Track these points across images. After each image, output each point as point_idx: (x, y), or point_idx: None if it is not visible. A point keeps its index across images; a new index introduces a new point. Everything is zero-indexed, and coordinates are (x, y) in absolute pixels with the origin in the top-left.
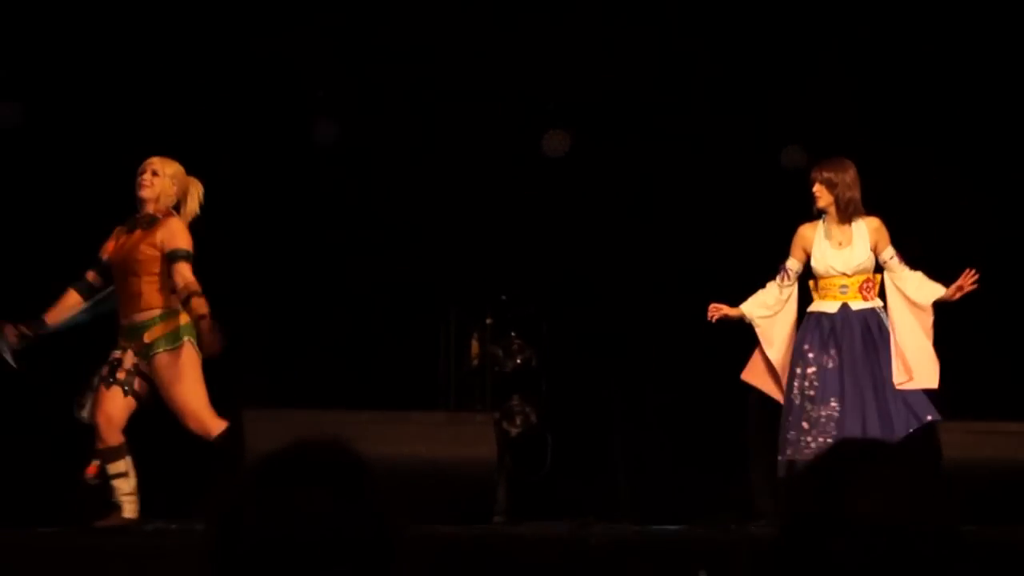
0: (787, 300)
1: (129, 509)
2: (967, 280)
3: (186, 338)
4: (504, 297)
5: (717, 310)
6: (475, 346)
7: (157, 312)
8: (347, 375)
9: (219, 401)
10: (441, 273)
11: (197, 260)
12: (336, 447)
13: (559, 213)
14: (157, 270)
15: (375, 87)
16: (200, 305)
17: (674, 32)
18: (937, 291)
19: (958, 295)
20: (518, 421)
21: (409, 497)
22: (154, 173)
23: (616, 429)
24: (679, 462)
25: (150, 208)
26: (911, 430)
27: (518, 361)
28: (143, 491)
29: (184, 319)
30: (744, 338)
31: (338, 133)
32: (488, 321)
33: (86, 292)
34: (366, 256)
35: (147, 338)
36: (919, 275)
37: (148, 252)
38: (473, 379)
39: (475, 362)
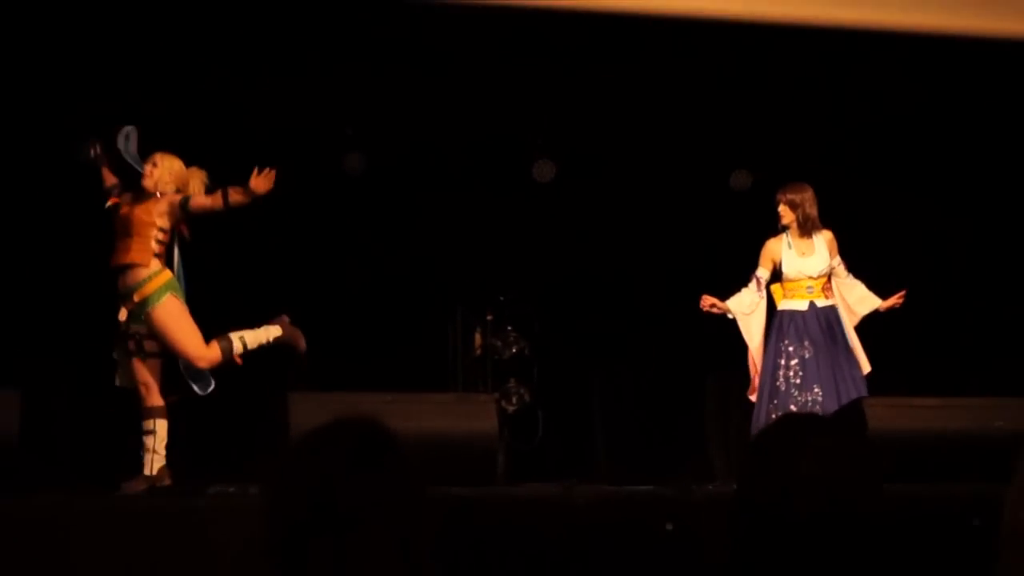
0: (759, 302)
1: (150, 466)
2: (898, 300)
3: (168, 293)
4: (502, 298)
5: (709, 301)
6: (478, 338)
7: (144, 274)
8: (374, 363)
9: (266, 385)
10: (450, 278)
11: (251, 265)
12: (368, 423)
13: (547, 229)
14: (148, 234)
15: (400, 126)
16: (236, 191)
17: (637, 79)
18: (872, 304)
19: (885, 309)
20: (514, 400)
21: (426, 463)
22: (154, 164)
23: (595, 406)
24: (648, 433)
25: (149, 189)
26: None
27: (514, 350)
28: (207, 460)
29: (165, 277)
30: (702, 334)
31: (366, 163)
32: (489, 317)
33: None
34: (389, 265)
35: (136, 297)
36: (860, 286)
37: (143, 218)
38: (477, 366)
39: (478, 352)
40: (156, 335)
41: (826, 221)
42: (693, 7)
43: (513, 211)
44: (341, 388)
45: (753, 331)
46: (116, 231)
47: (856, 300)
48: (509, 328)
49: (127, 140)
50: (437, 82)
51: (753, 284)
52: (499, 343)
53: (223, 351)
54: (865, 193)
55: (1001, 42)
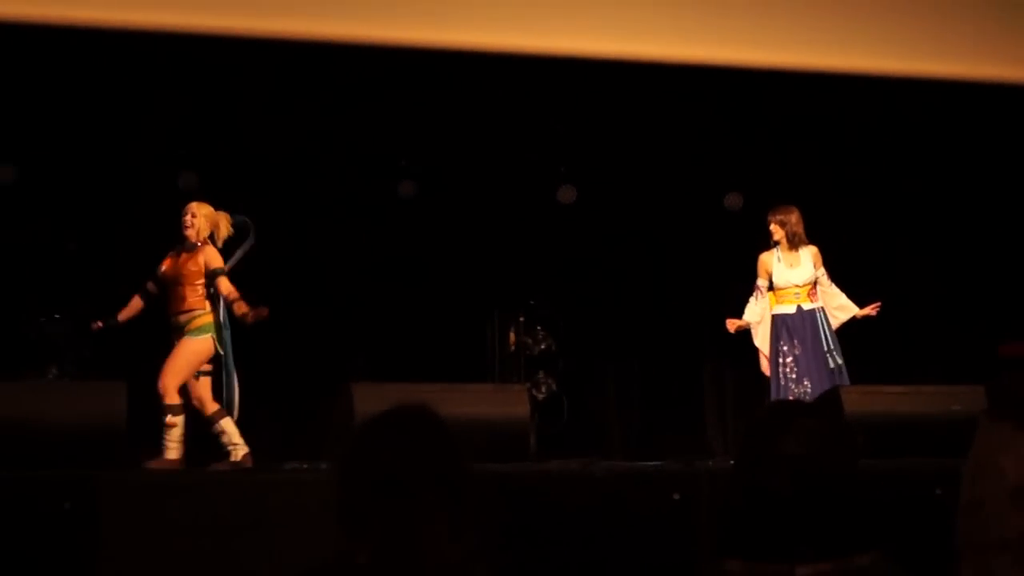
0: (764, 310)
1: (236, 454)
2: (873, 310)
3: (209, 335)
4: (532, 302)
5: (734, 324)
6: (512, 337)
7: (195, 312)
8: (426, 359)
9: (335, 377)
10: (488, 287)
11: (324, 274)
12: (421, 409)
13: (570, 244)
14: (198, 282)
15: (445, 159)
16: (240, 307)
17: (647, 119)
18: (850, 312)
19: (861, 316)
20: (543, 389)
21: (469, 443)
22: (192, 215)
23: (611, 394)
24: (656, 417)
25: (191, 239)
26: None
27: (542, 347)
28: (285, 441)
29: (211, 318)
30: (700, 333)
31: (417, 189)
32: (521, 319)
33: (146, 297)
34: (438, 277)
35: (186, 328)
36: (841, 295)
37: (192, 269)
38: (511, 360)
39: (512, 348)
40: (175, 347)
41: (812, 237)
42: (690, 55)
43: (541, 229)
44: (398, 379)
45: (763, 337)
46: (169, 282)
47: (836, 307)
48: (538, 328)
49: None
50: (477, 123)
51: (756, 294)
52: (529, 341)
53: (210, 413)
54: (844, 212)
55: (955, 83)
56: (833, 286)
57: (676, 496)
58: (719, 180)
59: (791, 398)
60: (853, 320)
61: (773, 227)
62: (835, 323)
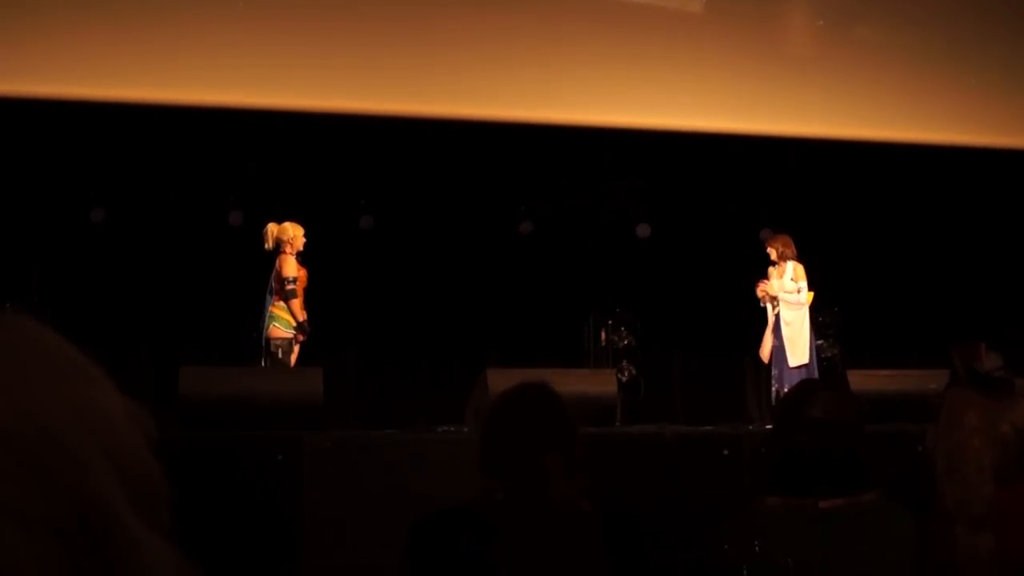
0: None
1: None
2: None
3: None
4: (618, 310)
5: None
6: (603, 335)
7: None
8: (543, 350)
9: (476, 364)
10: (586, 298)
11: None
12: (543, 384)
13: (647, 268)
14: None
15: (557, 204)
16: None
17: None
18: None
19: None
20: (626, 374)
21: (574, 412)
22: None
23: (676, 377)
24: (709, 394)
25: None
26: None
27: (625, 343)
28: (438, 411)
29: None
30: (742, 333)
31: (532, 227)
32: (610, 321)
33: None
34: (551, 291)
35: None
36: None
37: (276, 276)
38: (602, 352)
39: (603, 343)
40: None
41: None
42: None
43: (624, 256)
44: (520, 366)
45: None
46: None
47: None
48: (622, 328)
49: None
50: (579, 179)
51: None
52: (616, 338)
53: None
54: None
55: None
56: (795, 299)
57: (725, 452)
58: (752, 217)
59: (772, 378)
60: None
61: (770, 249)
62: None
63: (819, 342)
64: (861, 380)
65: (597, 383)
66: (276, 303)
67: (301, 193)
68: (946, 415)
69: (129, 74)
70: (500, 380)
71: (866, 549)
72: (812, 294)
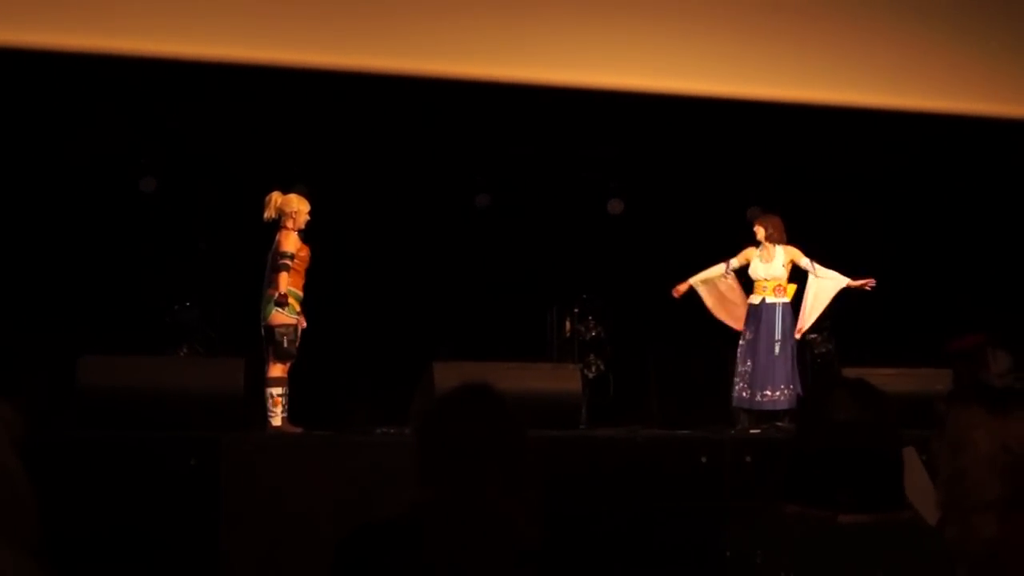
0: (716, 282)
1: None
2: (867, 283)
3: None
4: (584, 296)
5: (678, 289)
6: (568, 325)
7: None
8: (496, 342)
9: (423, 357)
10: (548, 283)
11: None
12: (484, 386)
13: (617, 248)
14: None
15: (518, 181)
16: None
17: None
18: (841, 283)
19: (855, 285)
20: (593, 369)
21: (530, 413)
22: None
23: (650, 373)
24: (688, 393)
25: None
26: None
27: (593, 334)
28: (378, 409)
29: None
30: (727, 326)
31: (490, 200)
32: (575, 310)
33: None
34: (507, 275)
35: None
36: (831, 273)
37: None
38: (567, 344)
39: (567, 334)
40: None
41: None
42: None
43: (594, 236)
44: (474, 359)
45: (714, 300)
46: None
47: (830, 280)
48: (589, 317)
49: None
50: (541, 146)
51: (721, 265)
52: (582, 328)
53: None
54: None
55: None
56: (823, 269)
57: (704, 459)
58: (736, 198)
59: (736, 376)
60: (848, 291)
61: (756, 228)
62: (826, 296)
63: (812, 336)
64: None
65: (560, 379)
66: (275, 285)
67: (223, 157)
68: (949, 436)
69: (13, 11)
70: (449, 375)
71: None
72: (795, 287)
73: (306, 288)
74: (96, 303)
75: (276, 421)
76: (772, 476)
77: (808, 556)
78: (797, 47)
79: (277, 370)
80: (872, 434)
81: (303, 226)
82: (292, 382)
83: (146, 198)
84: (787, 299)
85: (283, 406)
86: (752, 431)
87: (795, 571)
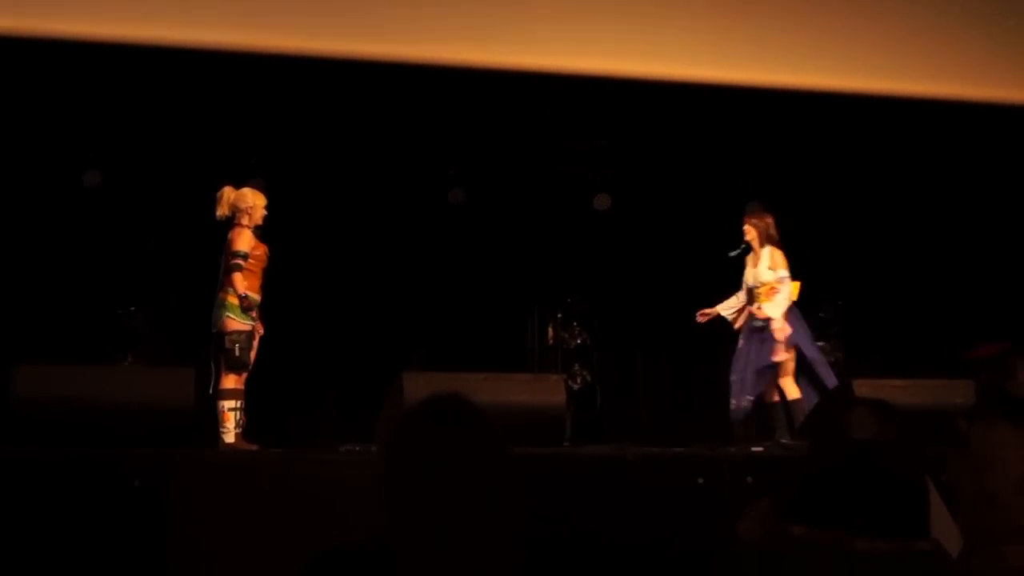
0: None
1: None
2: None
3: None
4: (569, 300)
5: (704, 315)
6: (551, 331)
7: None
8: (472, 350)
9: (392, 367)
10: (529, 286)
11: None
12: (456, 398)
13: (604, 248)
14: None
15: (492, 172)
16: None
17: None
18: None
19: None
20: (578, 380)
21: (509, 428)
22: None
23: (640, 385)
24: (681, 407)
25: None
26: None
27: (578, 341)
28: (342, 425)
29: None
30: (723, 332)
31: (464, 197)
32: (559, 315)
33: None
34: (484, 277)
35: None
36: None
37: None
38: (549, 353)
39: (551, 342)
40: None
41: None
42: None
43: (579, 235)
44: (449, 369)
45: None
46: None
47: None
48: (574, 324)
49: None
50: (519, 138)
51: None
52: (566, 335)
53: None
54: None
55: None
56: (768, 305)
57: (700, 480)
58: (734, 192)
59: (731, 387)
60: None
61: (744, 228)
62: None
63: (820, 343)
64: (869, 391)
65: (542, 391)
66: (226, 288)
67: (174, 148)
68: (974, 456)
69: None
70: (420, 387)
71: None
72: (798, 285)
73: (264, 290)
74: (33, 308)
75: (229, 438)
76: (774, 496)
77: None
78: (791, 30)
79: (230, 381)
80: (896, 455)
81: (260, 222)
82: (248, 395)
83: (89, 193)
84: (793, 299)
85: (237, 421)
86: (754, 449)
87: None
